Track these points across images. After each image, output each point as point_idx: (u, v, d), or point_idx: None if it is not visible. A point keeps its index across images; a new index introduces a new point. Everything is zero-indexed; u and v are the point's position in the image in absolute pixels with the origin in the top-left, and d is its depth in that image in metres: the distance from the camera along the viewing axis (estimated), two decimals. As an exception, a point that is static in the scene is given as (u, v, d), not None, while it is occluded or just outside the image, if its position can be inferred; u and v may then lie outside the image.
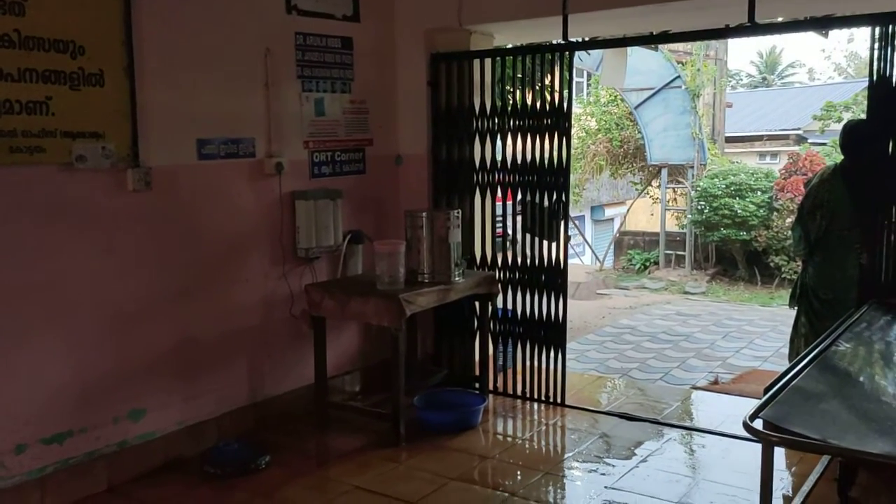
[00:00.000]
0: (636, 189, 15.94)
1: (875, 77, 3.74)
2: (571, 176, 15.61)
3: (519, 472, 3.88)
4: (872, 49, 3.73)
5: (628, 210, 16.37)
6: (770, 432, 2.17)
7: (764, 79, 34.23)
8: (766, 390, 2.42)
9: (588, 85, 17.51)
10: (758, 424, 2.26)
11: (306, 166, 4.52)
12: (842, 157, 4.33)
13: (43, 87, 3.30)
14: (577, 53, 4.92)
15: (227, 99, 4.07)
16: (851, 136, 4.16)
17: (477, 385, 4.88)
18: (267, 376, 4.39)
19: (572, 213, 16.82)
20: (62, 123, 3.37)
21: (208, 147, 4.00)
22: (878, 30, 3.71)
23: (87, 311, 3.54)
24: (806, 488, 3.15)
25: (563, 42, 4.62)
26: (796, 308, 4.50)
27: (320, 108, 4.58)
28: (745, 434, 2.26)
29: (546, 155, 4.68)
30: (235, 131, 4.12)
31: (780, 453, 3.86)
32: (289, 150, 4.39)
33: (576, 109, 15.78)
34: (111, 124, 3.56)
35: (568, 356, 4.93)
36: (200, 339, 4.04)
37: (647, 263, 14.61)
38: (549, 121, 4.67)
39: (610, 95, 15.05)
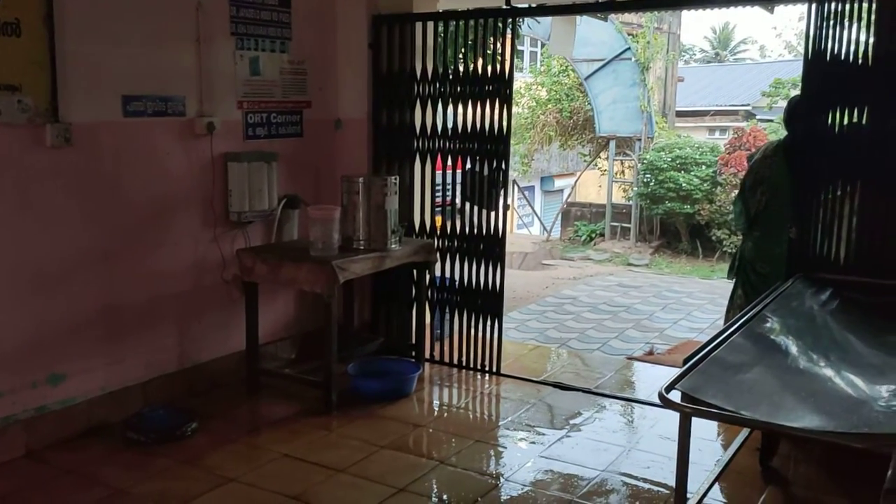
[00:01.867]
0: (585, 160, 16.03)
1: (811, 53, 3.76)
2: (521, 146, 15.61)
3: (452, 441, 3.88)
4: (808, 25, 3.75)
5: (576, 181, 16.48)
6: (684, 404, 2.18)
7: (717, 54, 34.62)
8: (685, 361, 2.43)
9: (540, 54, 17.46)
10: (676, 396, 2.27)
11: (240, 127, 4.39)
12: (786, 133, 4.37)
13: (-47, 34, 3.12)
14: (528, 21, 4.86)
15: (155, 54, 3.91)
16: (791, 111, 4.19)
17: (413, 353, 4.85)
18: (197, 342, 4.29)
19: (522, 183, 16.89)
20: (-26, 74, 3.20)
21: (134, 104, 3.84)
22: (814, 6, 3.72)
23: (2, 271, 3.39)
24: (726, 458, 3.20)
25: (507, 7, 4.54)
26: (734, 280, 4.56)
27: (256, 68, 4.44)
28: (663, 405, 2.27)
29: (487, 122, 4.63)
30: (164, 88, 3.96)
31: (709, 423, 3.93)
32: (221, 110, 4.25)
33: (527, 79, 15.77)
34: (28, 77, 3.39)
35: (508, 326, 4.94)
36: (126, 302, 3.91)
37: (594, 235, 14.76)
38: (491, 87, 4.61)
39: (561, 66, 15.05)
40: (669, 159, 13.10)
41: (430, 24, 4.78)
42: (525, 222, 16.91)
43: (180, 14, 4.00)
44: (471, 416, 4.33)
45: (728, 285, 4.71)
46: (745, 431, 3.45)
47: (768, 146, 4.45)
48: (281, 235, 4.59)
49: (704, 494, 2.82)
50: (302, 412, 4.14)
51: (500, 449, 3.86)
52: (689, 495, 2.50)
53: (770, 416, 2.14)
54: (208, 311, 4.33)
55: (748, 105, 19.73)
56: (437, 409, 4.41)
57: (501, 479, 3.48)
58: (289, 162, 4.67)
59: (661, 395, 2.18)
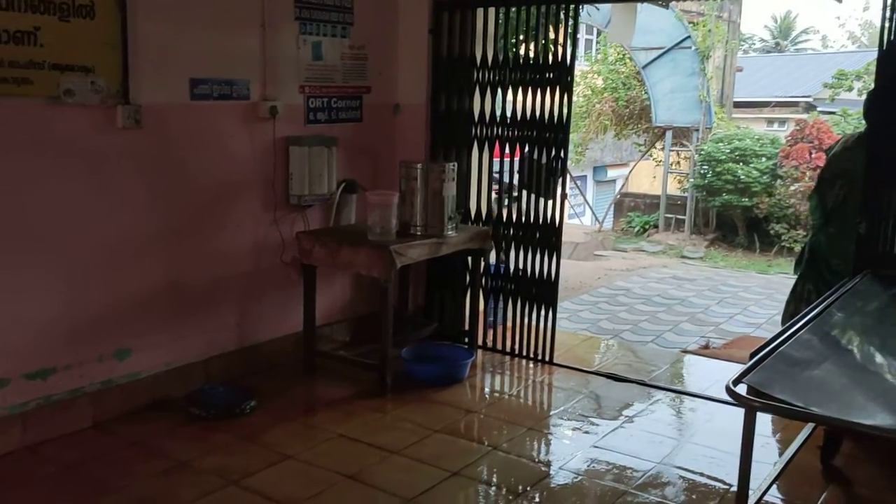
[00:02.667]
0: (640, 150, 15.81)
1: (885, 43, 3.64)
2: (575, 135, 15.50)
3: (504, 427, 3.88)
4: (884, 17, 3.63)
5: (630, 171, 16.26)
6: (752, 398, 2.15)
7: (777, 44, 33.74)
8: (752, 355, 2.39)
9: (596, 42, 17.24)
10: (742, 389, 2.24)
11: (301, 111, 4.44)
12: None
13: (31, 16, 3.21)
14: (585, 8, 4.80)
15: (222, 38, 3.97)
16: (869, 103, 4.05)
17: (466, 340, 4.87)
18: (255, 322, 4.37)
19: (575, 172, 16.73)
20: (50, 55, 3.29)
21: (201, 87, 3.91)
22: (891, -6, 3.60)
23: (73, 247, 3.50)
24: (788, 455, 3.15)
25: (569, -6, 4.49)
26: (798, 274, 4.44)
27: (318, 53, 4.48)
28: (731, 399, 2.24)
29: (547, 110, 4.60)
30: (230, 72, 4.03)
31: (766, 420, 3.86)
32: (284, 95, 4.30)
33: (583, 67, 15.59)
34: (101, 58, 3.47)
35: (560, 315, 4.91)
36: (190, 281, 4.00)
37: (647, 226, 14.56)
38: (551, 75, 4.57)
39: (618, 54, 14.84)
40: (728, 151, 12.83)
41: (492, 11, 4.76)
42: (577, 212, 16.77)
43: (247, -2, 4.06)
44: (523, 404, 4.34)
45: (788, 280, 4.61)
46: (806, 429, 3.38)
47: (848, 138, 4.32)
48: (339, 219, 4.64)
49: (765, 491, 2.78)
50: (357, 394, 4.19)
51: (552, 437, 3.86)
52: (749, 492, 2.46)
53: (841, 413, 2.09)
54: (267, 293, 4.41)
55: (809, 97, 19.19)
56: (489, 395, 4.42)
57: (554, 468, 3.48)
58: (348, 146, 4.71)
59: (728, 389, 2.15)
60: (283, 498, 3.10)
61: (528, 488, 3.26)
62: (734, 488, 3.20)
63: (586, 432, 3.86)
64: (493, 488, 3.32)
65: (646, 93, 14.22)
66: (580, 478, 3.38)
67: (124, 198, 3.66)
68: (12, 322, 3.32)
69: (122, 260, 3.69)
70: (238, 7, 4.03)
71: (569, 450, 3.69)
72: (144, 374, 3.85)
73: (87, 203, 3.53)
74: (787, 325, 2.83)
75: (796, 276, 4.50)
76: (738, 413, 2.39)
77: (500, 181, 5.01)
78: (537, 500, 3.18)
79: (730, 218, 13.48)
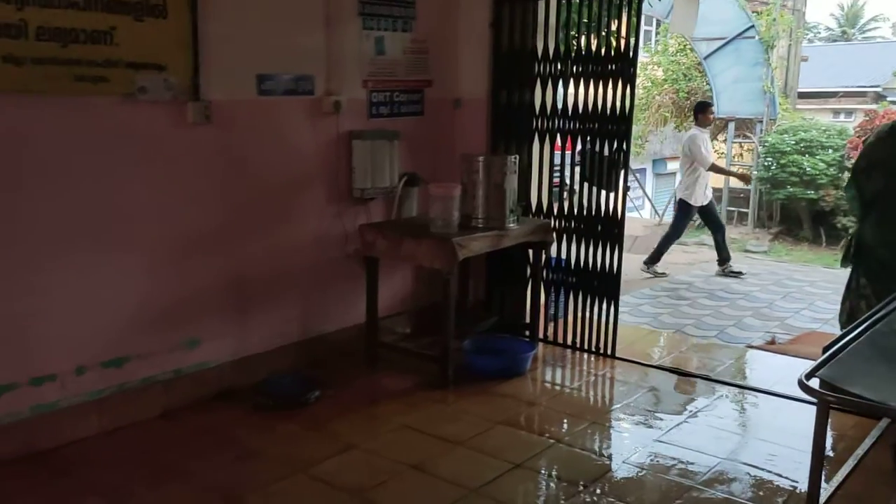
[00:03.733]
0: (700, 143, 15.47)
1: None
2: (634, 127, 15.23)
3: (566, 420, 3.88)
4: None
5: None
6: (826, 392, 2.10)
7: (843, 32, 32.66)
8: (825, 349, 2.34)
9: (657, 33, 16.94)
10: (814, 384, 2.19)
11: (364, 106, 4.49)
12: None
13: (107, 16, 3.32)
14: (648, -1, 4.74)
15: (288, 34, 4.05)
16: None
17: (527, 333, 4.86)
18: (319, 314, 4.44)
19: (633, 165, 16.48)
20: (126, 54, 3.40)
21: (268, 83, 3.99)
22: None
23: (146, 240, 3.62)
24: (860, 452, 3.06)
25: (632, -16, 4.44)
26: (850, 268, 4.32)
27: (380, 47, 4.52)
28: (799, 395, 2.21)
29: (609, 102, 4.56)
30: (295, 68, 4.10)
31: (835, 417, 3.76)
32: (347, 89, 4.36)
33: (643, 58, 15.32)
34: (173, 56, 3.57)
35: (621, 309, 4.87)
36: (256, 273, 4.10)
37: (708, 220, 14.24)
38: (613, 67, 4.53)
39: (679, 44, 14.55)
40: (793, 142, 12.47)
41: (553, 2, 4.73)
42: (636, 205, 16.52)
43: (311, -5, 4.13)
44: (585, 398, 4.32)
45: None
46: (880, 426, 3.29)
47: (882, 128, 4.19)
48: (401, 212, 4.69)
49: (838, 488, 2.71)
50: (419, 385, 4.23)
51: (615, 431, 3.83)
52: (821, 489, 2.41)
53: (920, 410, 2.03)
54: (331, 285, 4.48)
55: (878, 86, 18.52)
56: (550, 388, 4.41)
57: (616, 461, 3.46)
58: (409, 140, 4.75)
59: (801, 383, 2.10)
60: (349, 486, 3.16)
61: (591, 482, 3.25)
62: (801, 486, 3.15)
63: (649, 427, 3.82)
64: (556, 481, 3.31)
65: (707, 84, 13.91)
66: (644, 472, 3.35)
67: (194, 192, 3.77)
68: (90, 312, 3.45)
69: (192, 252, 3.80)
70: (303, 4, 4.10)
71: (631, 444, 3.67)
72: (213, 363, 3.95)
73: (159, 197, 3.64)
74: (860, 319, 2.76)
75: (849, 271, 4.36)
76: (805, 410, 2.36)
77: (562, 174, 4.98)
78: (600, 493, 3.16)
79: (795, 211, 13.12)
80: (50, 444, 3.35)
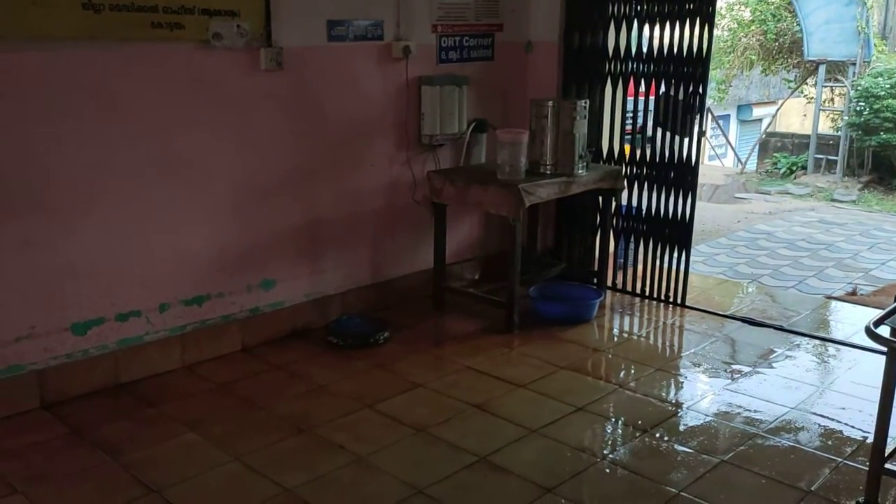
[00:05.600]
0: (789, 87, 14.83)
1: None
2: (718, 72, 14.68)
3: (632, 367, 3.88)
4: None
5: (778, 110, 15.31)
6: (894, 339, 2.05)
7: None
8: (898, 298, 2.26)
9: (745, -28, 16.13)
10: (885, 332, 2.13)
11: (434, 51, 4.48)
12: None
13: (182, -36, 3.40)
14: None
15: (357, -21, 4.06)
16: None
17: (595, 280, 4.85)
18: (388, 258, 4.53)
19: (717, 111, 15.96)
20: (200, 1, 3.47)
21: (338, 28, 4.02)
22: None
23: (223, 184, 3.75)
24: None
25: (713, -82, 4.25)
26: None
27: (455, -9, 4.48)
28: (877, 346, 2.14)
29: (685, 44, 4.41)
30: (365, 13, 4.11)
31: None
32: (417, 34, 4.35)
33: (728, -1, 14.68)
34: (246, 3, 3.63)
35: (695, 259, 4.80)
36: (327, 217, 4.20)
37: (794, 168, 13.72)
38: (691, 6, 4.37)
39: (768, -17, 13.86)
40: (888, 86, 11.80)
41: (629, -60, 4.58)
42: (718, 153, 16.03)
43: (381, -62, 4.11)
44: (652, 345, 4.29)
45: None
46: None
47: None
48: (469, 158, 4.70)
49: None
50: (484, 329, 4.29)
51: (682, 379, 3.81)
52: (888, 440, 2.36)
53: None
54: (400, 230, 4.55)
55: None
56: (617, 336, 4.40)
57: (682, 408, 3.46)
58: (479, 85, 4.72)
59: (868, 330, 2.05)
60: (414, 422, 3.26)
61: (654, 426, 3.26)
62: (872, 437, 3.08)
63: (718, 375, 3.79)
64: (618, 424, 3.34)
65: (798, 24, 13.24)
66: (709, 419, 3.34)
67: (267, 137, 3.86)
68: (172, 252, 3.62)
69: (265, 196, 3.91)
70: (372, -53, 4.09)
71: (699, 391, 3.65)
72: (287, 303, 4.10)
73: (235, 142, 3.75)
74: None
75: None
76: (883, 362, 2.28)
77: (634, 118, 4.89)
78: (662, 437, 3.18)
79: (888, 159, 12.48)
80: (135, 375, 3.57)
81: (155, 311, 3.60)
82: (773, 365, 3.90)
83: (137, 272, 3.52)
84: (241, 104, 3.73)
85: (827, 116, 13.58)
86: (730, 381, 3.71)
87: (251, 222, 3.88)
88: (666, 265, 4.77)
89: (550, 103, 4.30)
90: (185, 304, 3.71)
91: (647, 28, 4.62)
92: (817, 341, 4.20)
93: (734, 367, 3.87)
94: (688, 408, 3.45)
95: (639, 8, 4.57)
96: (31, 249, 3.18)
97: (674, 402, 3.54)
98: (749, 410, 3.41)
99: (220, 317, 3.84)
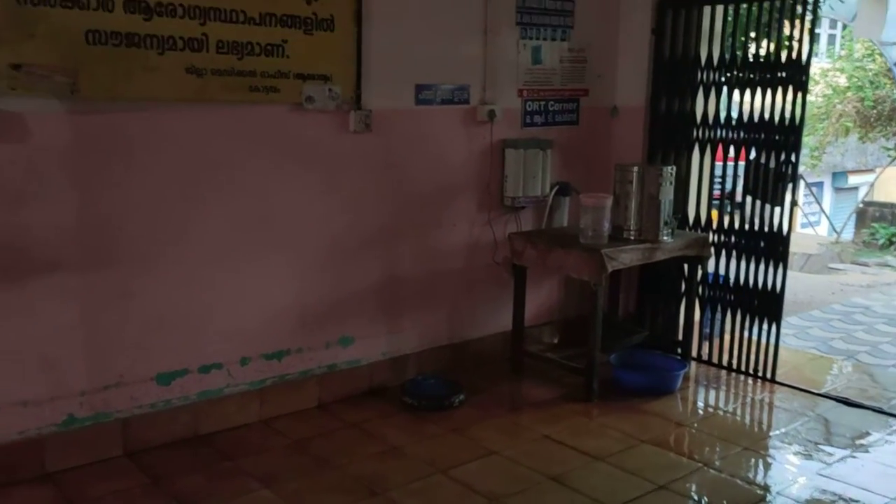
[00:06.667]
0: (888, 155, 14.29)
1: None
2: (811, 138, 14.35)
3: (717, 444, 3.71)
4: None
5: (877, 178, 14.74)
6: None
7: None
8: None
9: (841, 38, 15.83)
10: None
11: (518, 115, 4.51)
12: None
13: (280, 30, 3.54)
14: (829, 1, 4.45)
15: (446, 45, 4.15)
16: None
17: (679, 350, 4.69)
18: (466, 319, 4.51)
19: (810, 178, 15.49)
20: (295, 66, 3.61)
21: (426, 92, 4.11)
22: None
23: (308, 242, 3.83)
24: None
25: (808, -13, 4.18)
26: None
27: (537, 57, 4.53)
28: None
29: (777, 111, 4.31)
30: (452, 78, 4.19)
31: None
32: (502, 98, 4.40)
33: (824, 64, 14.40)
34: (338, 68, 3.76)
35: (786, 331, 4.60)
36: (407, 276, 4.22)
37: (894, 239, 13.10)
38: (784, 74, 4.28)
39: (866, 49, 13.52)
40: None
41: (720, 8, 4.55)
42: (811, 221, 15.50)
43: (471, 6, 4.20)
44: (739, 422, 4.10)
45: None
46: None
47: None
48: (551, 221, 4.67)
49: None
50: (562, 396, 4.19)
51: (771, 460, 3.61)
52: None
53: None
54: (478, 291, 4.54)
55: None
56: (702, 410, 4.22)
57: (771, 493, 3.26)
58: (563, 149, 4.72)
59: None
60: (487, 492, 3.18)
61: (741, 511, 3.09)
62: None
63: (810, 458, 3.58)
64: (702, 506, 3.18)
65: (898, 91, 12.83)
66: (800, 506, 3.14)
67: (353, 197, 3.94)
68: (256, 307, 3.70)
69: (348, 254, 3.97)
70: (462, 16, 4.19)
71: (789, 475, 3.45)
72: (364, 361, 4.12)
73: (321, 201, 3.84)
74: None
75: None
76: None
77: (723, 186, 4.78)
78: (750, 524, 3.00)
79: None
80: (214, 428, 3.62)
81: (236, 364, 3.67)
82: (871, 450, 3.65)
83: (222, 325, 3.60)
84: (329, 164, 3.83)
85: (929, 186, 12.99)
86: (823, 465, 3.49)
87: (333, 279, 3.94)
88: (755, 337, 4.58)
89: (635, 168, 4.25)
90: (266, 358, 3.76)
91: (736, 94, 4.55)
92: (921, 427, 3.93)
93: (828, 450, 3.65)
94: (777, 493, 3.25)
95: (728, 75, 4.51)
96: (127, 301, 3.31)
97: (762, 485, 3.34)
98: (844, 499, 3.19)
99: (298, 372, 3.88)
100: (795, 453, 3.64)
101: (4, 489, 3.06)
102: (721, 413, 4.19)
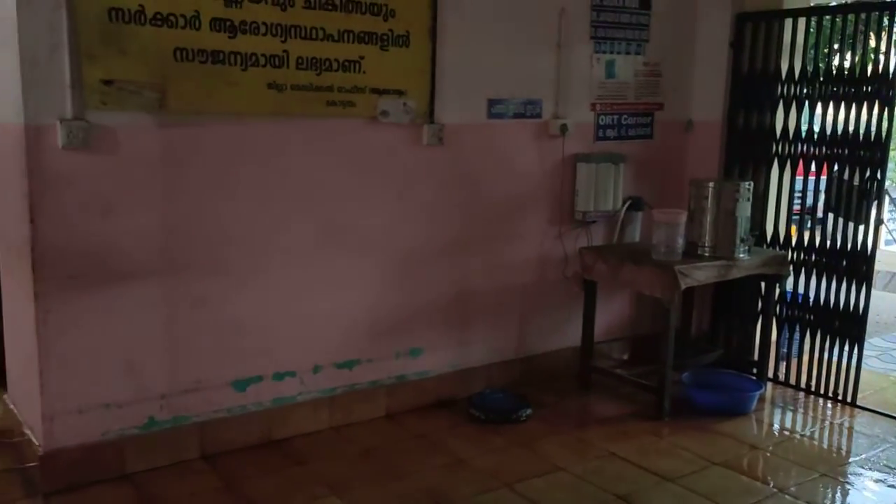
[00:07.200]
0: (982, 170, 13.58)
1: None
2: (897, 152, 13.64)
3: (793, 469, 3.60)
4: None
5: (969, 194, 14.02)
6: None
7: None
8: None
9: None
10: None
11: (591, 129, 4.49)
12: None
13: (357, 47, 3.61)
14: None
15: (519, 59, 4.16)
16: None
17: (754, 370, 4.57)
18: (535, 333, 4.50)
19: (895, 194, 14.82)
20: (371, 81, 3.68)
21: (498, 107, 4.13)
22: None
23: (380, 254, 3.89)
24: None
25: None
26: None
27: (611, 71, 4.50)
28: None
29: (862, 126, 4.18)
30: (524, 92, 4.20)
31: None
32: (575, 112, 4.39)
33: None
34: (413, 83, 3.81)
35: (869, 353, 4.44)
36: (477, 289, 4.24)
37: None
38: (869, 88, 4.15)
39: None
40: None
41: (801, 21, 4.43)
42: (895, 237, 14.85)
43: (544, 21, 4.21)
44: (816, 447, 3.96)
45: None
46: None
47: None
48: (623, 236, 4.62)
49: None
50: (632, 414, 4.14)
51: (850, 487, 3.49)
52: None
53: None
54: (548, 306, 4.52)
55: None
56: (777, 433, 4.10)
57: (851, 522, 3.15)
58: (636, 164, 4.67)
59: None
60: (553, 508, 3.17)
61: (818, 540, 2.99)
62: None
63: (892, 487, 3.43)
64: (776, 533, 3.09)
65: None
66: (882, 538, 3.02)
67: (424, 209, 3.99)
68: (329, 317, 3.77)
69: (420, 265, 4.02)
70: (536, 31, 4.19)
71: (869, 504, 3.32)
72: (432, 373, 4.15)
73: (395, 213, 3.89)
74: None
75: None
76: None
77: (803, 202, 4.64)
78: (827, 554, 2.90)
79: None
80: (286, 434, 3.70)
81: (309, 372, 3.74)
82: (961, 482, 3.49)
83: (296, 334, 3.69)
84: (402, 177, 3.88)
85: None
86: (908, 495, 3.35)
87: (404, 290, 3.98)
88: (835, 359, 4.43)
89: (711, 184, 4.17)
90: (337, 367, 3.83)
91: (819, 108, 4.42)
92: None
93: (913, 480, 3.50)
94: (857, 522, 3.14)
95: (811, 89, 4.39)
96: (206, 307, 3.42)
97: (841, 513, 3.23)
98: (931, 532, 3.06)
99: (368, 382, 3.94)
100: (876, 480, 3.50)
101: (87, 488, 3.20)
102: (798, 437, 4.05)
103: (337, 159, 3.68)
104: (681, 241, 4.07)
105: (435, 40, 3.82)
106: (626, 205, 4.58)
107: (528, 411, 4.04)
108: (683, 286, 3.94)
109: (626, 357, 4.86)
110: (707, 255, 4.14)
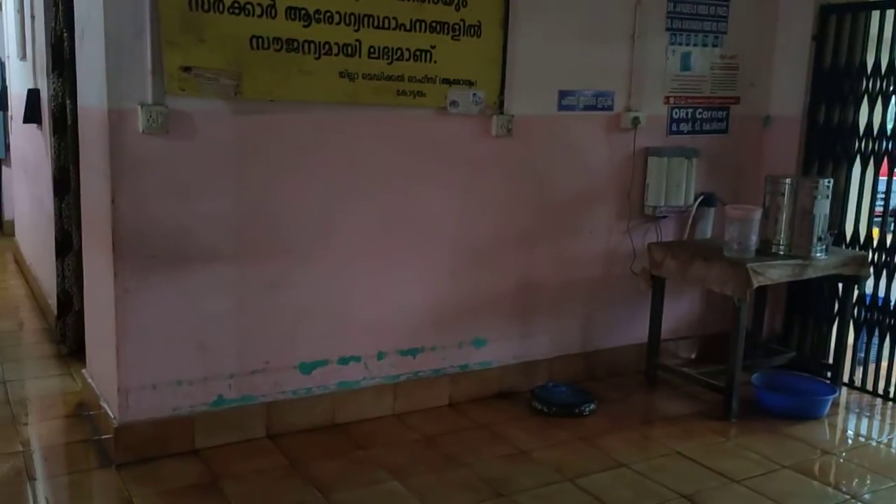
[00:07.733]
0: None
1: None
2: None
3: (867, 476, 3.47)
4: None
5: None
6: None
7: None
8: None
9: None
10: None
11: (664, 122, 4.41)
12: None
13: (429, 36, 3.63)
14: None
15: (591, 51, 4.11)
16: None
17: (828, 374, 4.41)
18: (600, 328, 4.45)
19: None
20: (441, 71, 3.68)
21: (569, 98, 4.09)
22: None
23: (448, 242, 3.90)
24: None
25: None
26: None
27: (686, 63, 4.41)
28: None
29: (953, 123, 3.99)
30: (596, 84, 4.15)
31: None
32: (647, 105, 4.31)
33: None
34: (483, 73, 3.80)
35: (953, 360, 4.23)
36: (542, 282, 4.21)
37: None
38: (962, 83, 3.96)
39: None
40: None
41: (889, 13, 4.25)
42: None
43: (619, 12, 4.15)
44: (893, 454, 3.81)
45: None
46: None
47: None
48: (694, 233, 4.52)
49: None
50: (698, 413, 4.05)
51: (930, 500, 3.34)
52: None
53: None
54: (614, 301, 4.46)
55: None
56: (851, 438, 3.96)
57: (928, 534, 3.02)
58: (709, 158, 4.57)
59: None
60: (615, 504, 3.13)
61: (892, 550, 2.88)
62: None
63: (975, 501, 3.28)
64: (848, 541, 2.98)
65: None
66: (962, 552, 2.89)
67: (492, 201, 3.98)
68: (394, 303, 3.81)
69: (485, 256, 4.01)
70: (609, 22, 4.14)
71: (950, 517, 3.18)
72: (495, 364, 4.14)
73: (461, 203, 3.90)
74: None
75: None
76: None
77: (886, 202, 4.46)
78: (903, 565, 2.79)
79: None
80: (349, 418, 3.76)
81: (373, 358, 3.79)
82: None
83: (362, 319, 3.73)
84: (470, 168, 3.88)
85: None
86: None
87: (469, 280, 3.99)
88: (917, 366, 4.25)
89: (788, 181, 4.05)
90: (401, 354, 3.87)
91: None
92: None
93: None
94: (936, 535, 3.01)
95: (898, 83, 4.22)
96: (275, 291, 3.50)
97: (919, 525, 3.10)
98: None
99: (431, 370, 3.96)
100: (959, 494, 3.35)
101: (157, 461, 3.31)
102: (873, 443, 3.91)
103: (406, 149, 3.71)
104: (754, 239, 3.96)
105: (507, 31, 3.80)
106: (699, 200, 4.48)
107: (592, 406, 4.00)
108: (756, 284, 3.83)
109: (693, 356, 4.76)
110: (782, 253, 4.02)
